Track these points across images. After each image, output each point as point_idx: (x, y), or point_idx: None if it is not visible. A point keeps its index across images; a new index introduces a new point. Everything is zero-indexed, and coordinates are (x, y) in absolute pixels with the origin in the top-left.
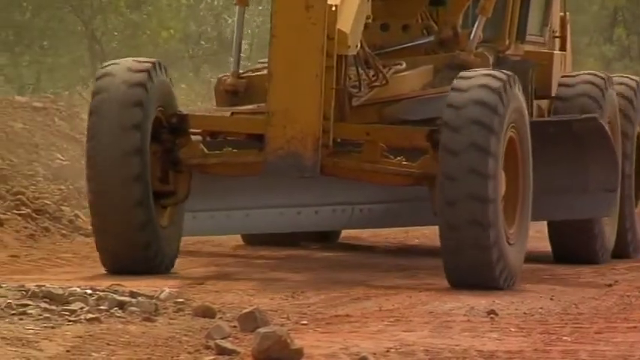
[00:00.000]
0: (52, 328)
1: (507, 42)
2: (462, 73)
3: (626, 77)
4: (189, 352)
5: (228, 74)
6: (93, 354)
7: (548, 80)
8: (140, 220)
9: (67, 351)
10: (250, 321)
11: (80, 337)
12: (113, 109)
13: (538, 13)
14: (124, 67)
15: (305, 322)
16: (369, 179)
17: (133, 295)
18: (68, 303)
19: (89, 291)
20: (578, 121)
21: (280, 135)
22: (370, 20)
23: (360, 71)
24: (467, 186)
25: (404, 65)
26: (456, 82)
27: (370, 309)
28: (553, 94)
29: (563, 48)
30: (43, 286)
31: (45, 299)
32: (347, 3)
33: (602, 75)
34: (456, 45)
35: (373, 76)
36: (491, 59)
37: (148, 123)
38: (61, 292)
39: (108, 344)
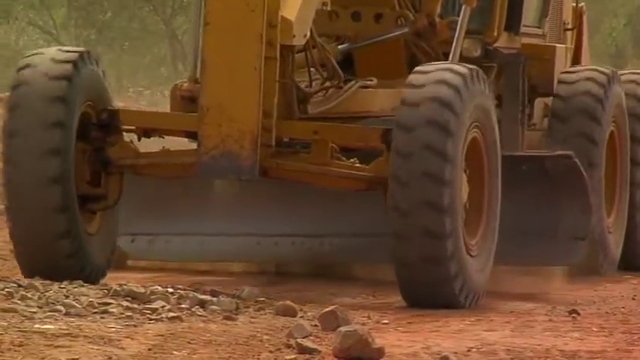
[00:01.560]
0: (134, 326)
1: (496, 33)
2: (419, 68)
3: (637, 73)
4: (270, 351)
5: (185, 80)
6: (174, 352)
7: (550, 76)
8: (61, 227)
9: (149, 349)
10: (331, 320)
11: (161, 335)
12: (32, 104)
13: (536, 2)
14: (47, 57)
15: (386, 321)
16: (316, 182)
17: (214, 293)
18: (150, 302)
19: (170, 289)
20: (552, 158)
21: (215, 133)
22: (327, 7)
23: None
24: (420, 192)
25: (374, 82)
26: (411, 77)
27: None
28: (555, 92)
29: (578, 42)
30: (125, 284)
31: (127, 298)
32: None
33: (607, 70)
34: (433, 36)
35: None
36: (478, 51)
37: (73, 120)
38: (142, 290)
39: (189, 343)
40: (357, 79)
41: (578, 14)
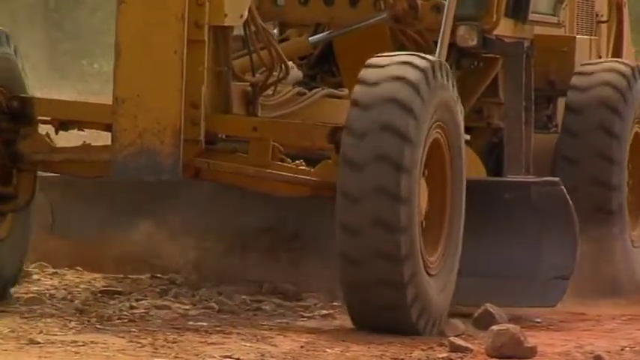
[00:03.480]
0: (287, 323)
1: (495, 19)
2: (371, 60)
3: None
4: (422, 349)
5: None
6: (327, 350)
7: (570, 71)
8: None
9: (301, 347)
10: (484, 319)
11: (314, 332)
12: None
13: None
14: None
15: (538, 320)
16: (255, 186)
17: None
18: (302, 299)
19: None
20: (537, 185)
21: (131, 127)
22: None
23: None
24: (372, 209)
25: (345, 92)
26: (363, 73)
27: (604, 307)
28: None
29: (618, 37)
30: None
31: (279, 295)
32: None
33: (632, 63)
34: (415, 21)
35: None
36: (474, 40)
37: None
38: (294, 288)
39: (342, 340)
40: (323, 86)
41: (617, 6)
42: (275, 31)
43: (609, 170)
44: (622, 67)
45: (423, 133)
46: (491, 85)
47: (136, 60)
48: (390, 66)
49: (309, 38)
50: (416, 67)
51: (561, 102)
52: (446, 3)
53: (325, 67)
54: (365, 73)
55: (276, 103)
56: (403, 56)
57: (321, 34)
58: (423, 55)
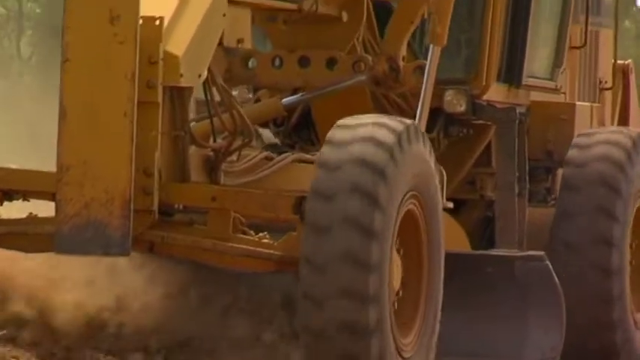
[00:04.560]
0: None
1: (485, 83)
2: (342, 121)
3: None
4: None
5: None
6: None
7: (569, 140)
8: None
9: None
10: None
11: None
12: None
13: (546, 49)
14: None
15: None
16: (213, 261)
17: None
18: None
19: None
20: (521, 260)
21: (76, 197)
22: (242, 45)
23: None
24: (339, 278)
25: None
26: (331, 133)
27: None
28: (567, 158)
29: (624, 105)
30: None
31: None
32: (185, 15)
33: (633, 133)
34: (396, 84)
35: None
36: (463, 105)
37: None
38: None
39: None
40: (293, 151)
41: (623, 72)
42: (250, 95)
43: (608, 254)
44: (621, 138)
45: (396, 200)
46: (484, 155)
47: (82, 123)
48: (361, 127)
49: (282, 100)
50: (390, 128)
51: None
52: (427, 64)
53: (304, 134)
54: (333, 134)
55: (241, 169)
56: (375, 117)
57: (294, 96)
58: (397, 118)
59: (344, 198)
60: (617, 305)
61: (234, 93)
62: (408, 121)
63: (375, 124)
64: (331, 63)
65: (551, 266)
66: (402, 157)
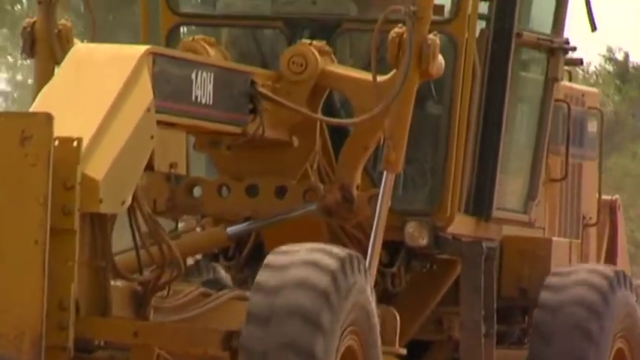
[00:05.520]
0: None
1: (449, 214)
2: (281, 247)
3: None
4: None
5: None
6: None
7: (545, 279)
8: None
9: None
10: None
11: None
12: None
13: (519, 183)
14: None
15: None
16: None
17: None
18: None
19: None
20: None
21: None
22: (174, 170)
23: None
24: None
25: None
26: (270, 258)
27: None
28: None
29: (611, 242)
30: None
31: None
32: (107, 136)
33: (610, 272)
34: (350, 214)
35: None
36: (425, 239)
37: None
38: None
39: None
40: (233, 287)
41: (610, 208)
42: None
43: None
44: (596, 280)
45: (338, 329)
46: (451, 292)
47: None
48: (301, 252)
49: (227, 229)
50: (333, 255)
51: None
52: (379, 193)
53: (257, 268)
54: (272, 259)
55: (173, 305)
56: (315, 244)
57: (240, 225)
58: (335, 248)
59: (286, 324)
60: None
61: (181, 224)
62: (351, 252)
63: (318, 249)
64: (281, 192)
65: None
66: (346, 284)
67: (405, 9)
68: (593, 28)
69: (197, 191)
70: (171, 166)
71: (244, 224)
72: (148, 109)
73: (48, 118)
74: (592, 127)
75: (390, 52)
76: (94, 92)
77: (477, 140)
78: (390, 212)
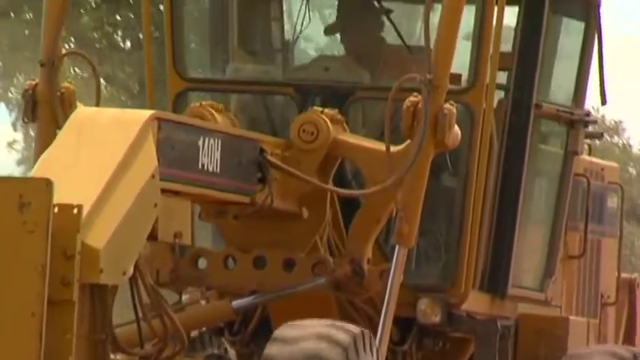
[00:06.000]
0: None
1: (463, 291)
2: (291, 322)
3: None
4: None
5: None
6: None
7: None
8: None
9: None
10: None
11: None
12: None
13: (534, 256)
14: None
15: None
16: None
17: None
18: None
19: None
20: None
21: None
22: (179, 240)
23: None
24: None
25: None
26: (278, 332)
27: None
28: None
29: (630, 322)
30: None
31: None
32: (108, 203)
33: (628, 354)
34: (360, 289)
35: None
36: (438, 316)
37: None
38: None
39: None
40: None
41: (629, 287)
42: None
43: None
44: (622, 352)
45: None
46: None
47: None
48: (312, 326)
49: (233, 303)
50: (344, 330)
51: None
52: (391, 268)
53: (264, 343)
54: (280, 333)
55: None
56: (326, 321)
57: (246, 298)
58: (346, 324)
59: None
60: None
61: (185, 297)
62: (362, 329)
63: (326, 324)
64: (289, 265)
65: None
66: None
67: (421, 77)
68: (604, 101)
69: (202, 263)
70: (175, 235)
71: (250, 297)
72: (152, 176)
73: (47, 184)
74: (612, 202)
75: (404, 122)
76: (96, 157)
77: (494, 214)
78: (401, 287)
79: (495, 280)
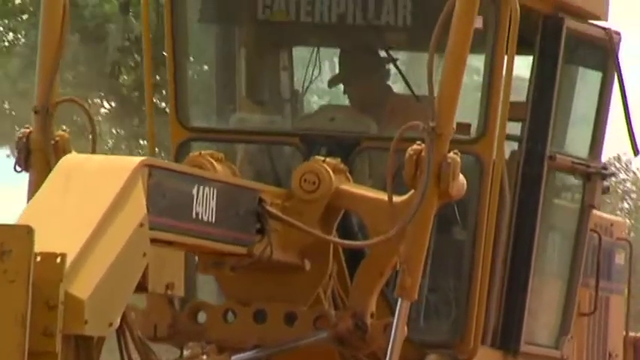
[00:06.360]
0: None
1: (472, 347)
2: None
3: None
4: None
5: None
6: None
7: None
8: None
9: None
10: None
11: None
12: None
13: (548, 312)
14: None
15: None
16: None
17: None
18: None
19: None
20: None
21: None
22: (171, 291)
23: None
24: None
25: None
26: None
27: None
28: None
29: None
30: None
31: None
32: (94, 252)
33: None
34: (363, 344)
35: None
36: None
37: None
38: None
39: None
40: None
41: (634, 347)
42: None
43: None
44: None
45: None
46: None
47: None
48: None
49: (233, 357)
50: None
51: None
52: (393, 321)
53: None
54: None
55: None
56: None
57: (247, 353)
58: None
59: None
60: None
61: (186, 352)
62: None
63: None
64: (291, 318)
65: None
66: None
67: (423, 125)
68: (636, 152)
69: (201, 316)
70: (167, 286)
71: (251, 352)
72: (141, 225)
73: (28, 232)
74: (619, 258)
75: (406, 171)
76: (83, 205)
77: (506, 269)
78: (408, 343)
79: (507, 337)
